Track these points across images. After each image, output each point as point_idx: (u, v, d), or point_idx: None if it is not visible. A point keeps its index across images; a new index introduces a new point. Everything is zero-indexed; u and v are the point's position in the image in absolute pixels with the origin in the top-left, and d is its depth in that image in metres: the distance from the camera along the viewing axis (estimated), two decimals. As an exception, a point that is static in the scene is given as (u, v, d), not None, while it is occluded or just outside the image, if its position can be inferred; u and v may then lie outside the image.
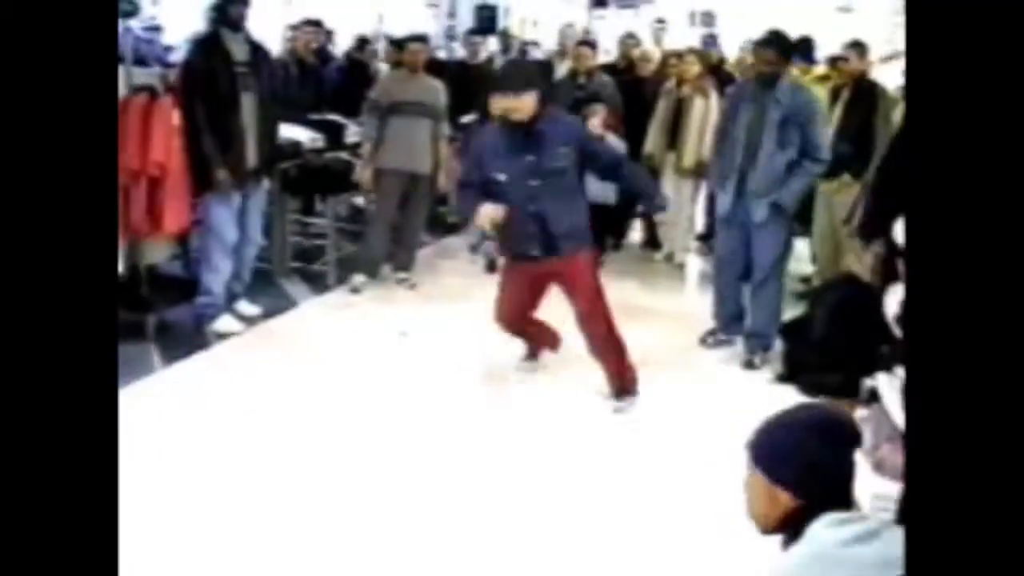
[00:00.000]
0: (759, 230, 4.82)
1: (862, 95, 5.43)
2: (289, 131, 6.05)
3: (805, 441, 1.70)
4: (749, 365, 4.97)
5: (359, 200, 7.41)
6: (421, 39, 6.36)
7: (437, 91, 6.14)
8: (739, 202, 4.80)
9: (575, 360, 4.86)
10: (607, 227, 7.27)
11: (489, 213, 3.96)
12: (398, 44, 6.81)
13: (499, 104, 3.95)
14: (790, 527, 1.67)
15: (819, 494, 1.66)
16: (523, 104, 3.90)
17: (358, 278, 6.09)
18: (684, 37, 9.59)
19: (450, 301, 6.00)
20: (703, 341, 5.29)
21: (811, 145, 4.64)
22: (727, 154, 4.84)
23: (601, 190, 6.74)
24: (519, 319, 4.44)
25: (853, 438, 1.75)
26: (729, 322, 5.23)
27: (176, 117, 4.74)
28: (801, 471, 1.68)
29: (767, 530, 1.74)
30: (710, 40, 8.28)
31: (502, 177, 4.02)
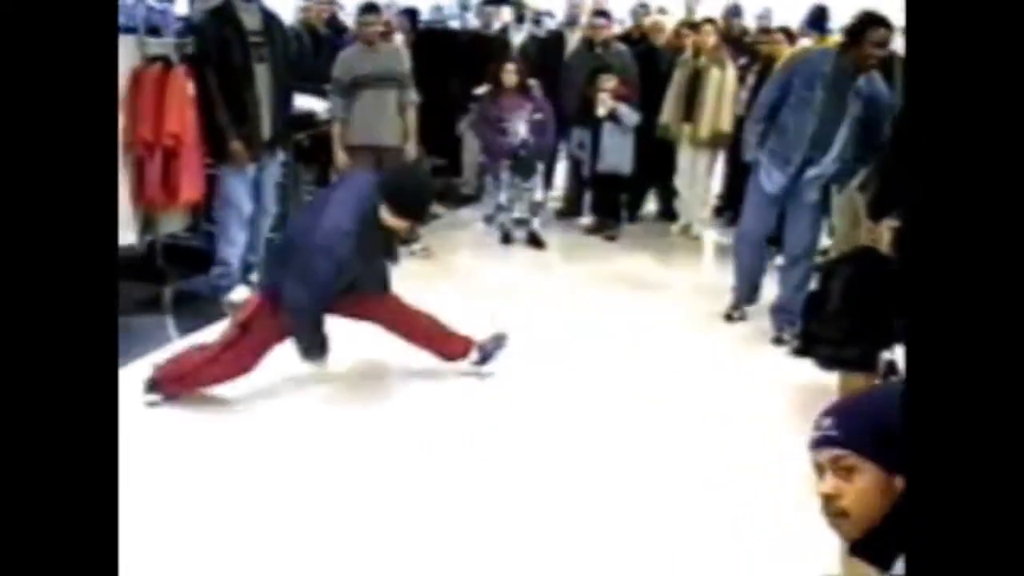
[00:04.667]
0: (806, 210, 4.76)
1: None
2: (303, 101, 6.04)
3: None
4: (779, 341, 4.93)
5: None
6: (374, 9, 6.13)
7: (398, 59, 6.03)
8: (796, 183, 4.69)
9: (595, 337, 4.87)
10: (622, 198, 7.28)
11: None
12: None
13: None
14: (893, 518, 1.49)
15: None
16: None
17: None
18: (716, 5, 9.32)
19: (464, 273, 6.01)
20: (729, 317, 5.26)
21: (877, 140, 4.48)
22: (789, 131, 4.66)
23: (615, 160, 6.74)
24: None
25: None
26: (750, 296, 5.21)
27: (190, 87, 4.73)
28: None
29: (864, 531, 1.53)
30: (734, 10, 8.12)
31: None
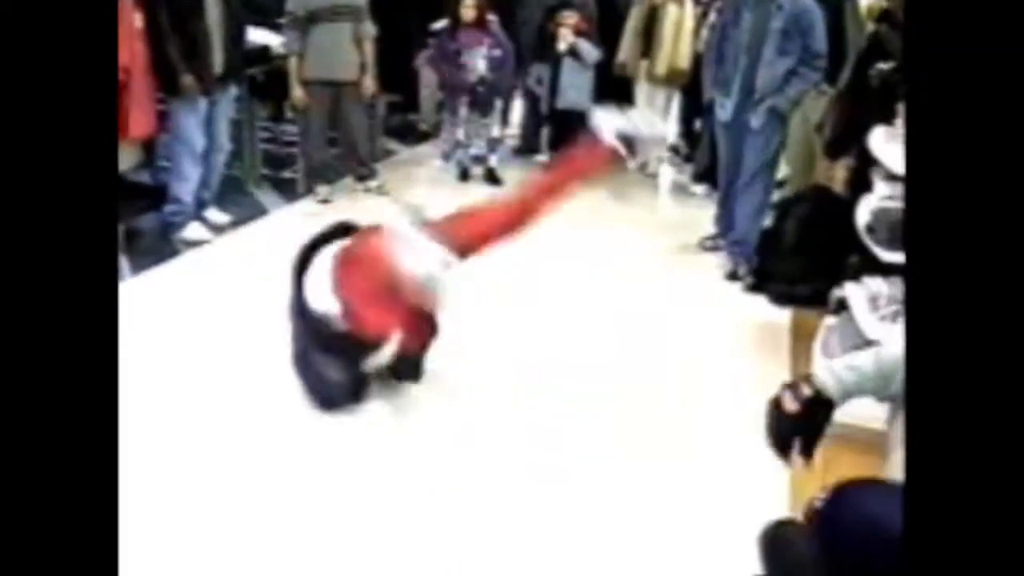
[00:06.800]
0: (753, 135, 4.85)
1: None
2: (257, 35, 5.92)
3: None
4: (733, 276, 5.00)
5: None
6: None
7: None
8: (742, 107, 4.82)
9: (549, 274, 4.89)
10: (579, 135, 7.25)
11: None
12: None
13: None
14: None
15: None
16: None
17: (323, 189, 6.05)
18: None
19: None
20: (702, 245, 5.39)
21: (810, 52, 4.65)
22: (728, 59, 4.84)
23: (575, 96, 6.70)
24: None
25: None
26: (727, 229, 5.28)
27: (138, 19, 4.61)
28: None
29: None
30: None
31: None
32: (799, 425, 1.78)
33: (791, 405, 1.77)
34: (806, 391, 1.78)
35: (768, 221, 5.05)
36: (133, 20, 4.57)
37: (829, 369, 1.80)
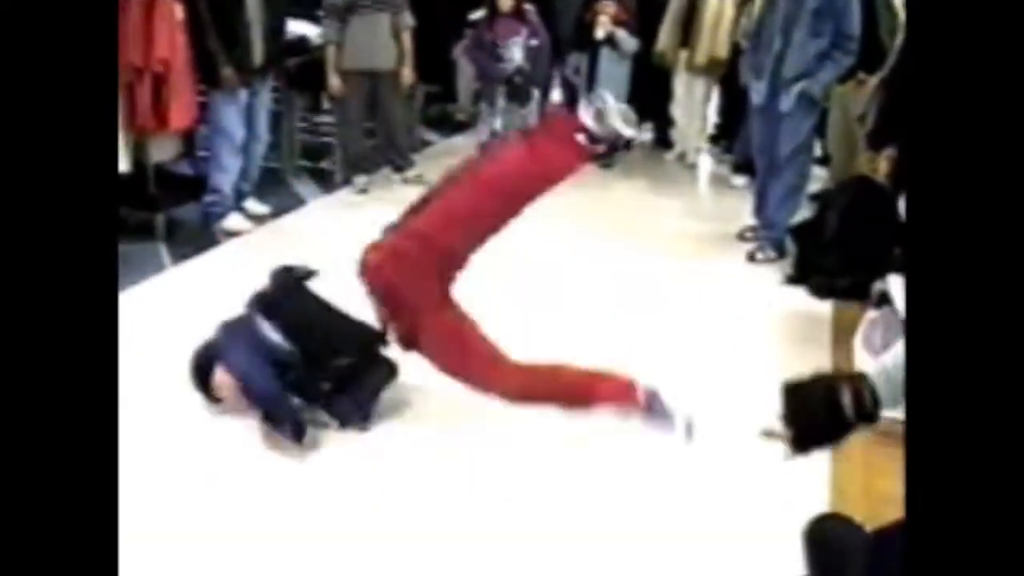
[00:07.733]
0: (784, 119, 4.83)
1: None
2: (295, 26, 5.94)
3: None
4: (751, 257, 5.03)
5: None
6: None
7: None
8: (774, 90, 4.81)
9: (589, 264, 4.86)
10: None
11: None
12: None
13: None
14: None
15: None
16: None
17: (360, 179, 6.06)
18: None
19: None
20: (741, 236, 5.34)
21: (842, 36, 4.61)
22: (764, 43, 4.81)
23: (610, 89, 6.65)
24: None
25: None
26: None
27: (179, 12, 4.65)
28: None
29: None
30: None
31: None
32: (840, 433, 1.53)
33: (849, 412, 1.49)
34: (867, 402, 1.50)
35: (802, 208, 5.02)
36: (174, 12, 4.61)
37: (885, 374, 1.53)
